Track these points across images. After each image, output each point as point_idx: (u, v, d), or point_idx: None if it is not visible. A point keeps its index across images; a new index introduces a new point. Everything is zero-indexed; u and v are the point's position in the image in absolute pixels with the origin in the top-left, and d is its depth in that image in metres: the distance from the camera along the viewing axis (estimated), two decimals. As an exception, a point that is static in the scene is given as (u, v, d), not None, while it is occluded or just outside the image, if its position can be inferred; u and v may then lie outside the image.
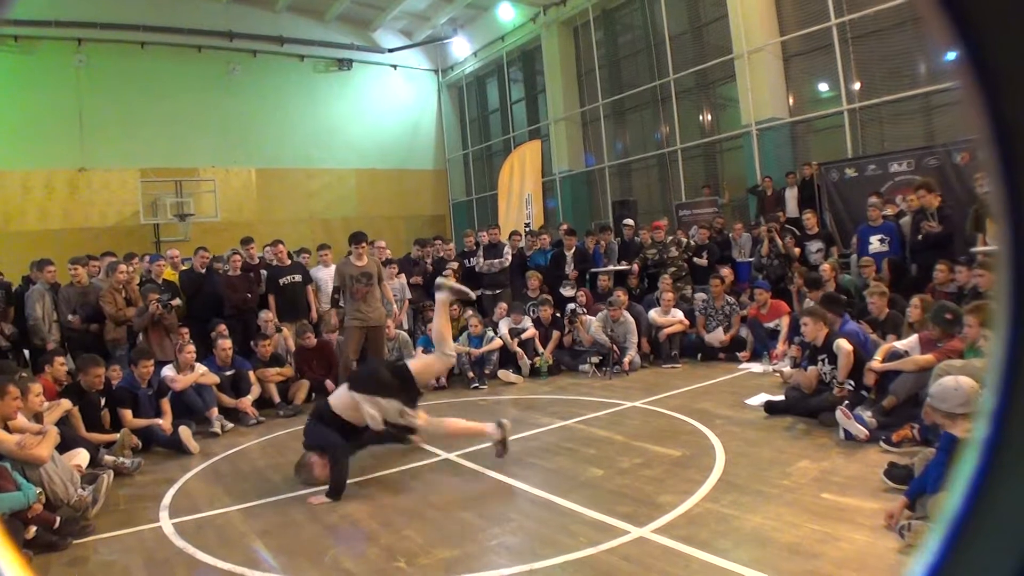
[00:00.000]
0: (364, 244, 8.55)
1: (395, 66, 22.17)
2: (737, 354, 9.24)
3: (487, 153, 22.77)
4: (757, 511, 4.11)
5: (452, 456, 5.90)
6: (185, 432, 6.89)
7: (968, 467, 0.62)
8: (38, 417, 5.66)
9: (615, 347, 9.16)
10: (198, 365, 7.94)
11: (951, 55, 0.62)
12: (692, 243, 11.29)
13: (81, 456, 5.66)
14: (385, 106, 22.03)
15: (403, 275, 11.02)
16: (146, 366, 7.29)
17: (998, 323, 0.63)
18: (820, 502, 4.20)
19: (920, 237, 8.66)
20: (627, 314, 9.50)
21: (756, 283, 9.79)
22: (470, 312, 10.02)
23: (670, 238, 11.17)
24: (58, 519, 4.58)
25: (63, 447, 5.57)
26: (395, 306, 9.60)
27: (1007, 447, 0.61)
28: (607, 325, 9.37)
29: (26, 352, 8.94)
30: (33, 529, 4.37)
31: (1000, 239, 0.62)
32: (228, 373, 8.29)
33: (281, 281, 9.90)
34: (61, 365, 7.12)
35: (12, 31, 15.90)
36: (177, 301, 8.96)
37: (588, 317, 9.77)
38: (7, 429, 4.93)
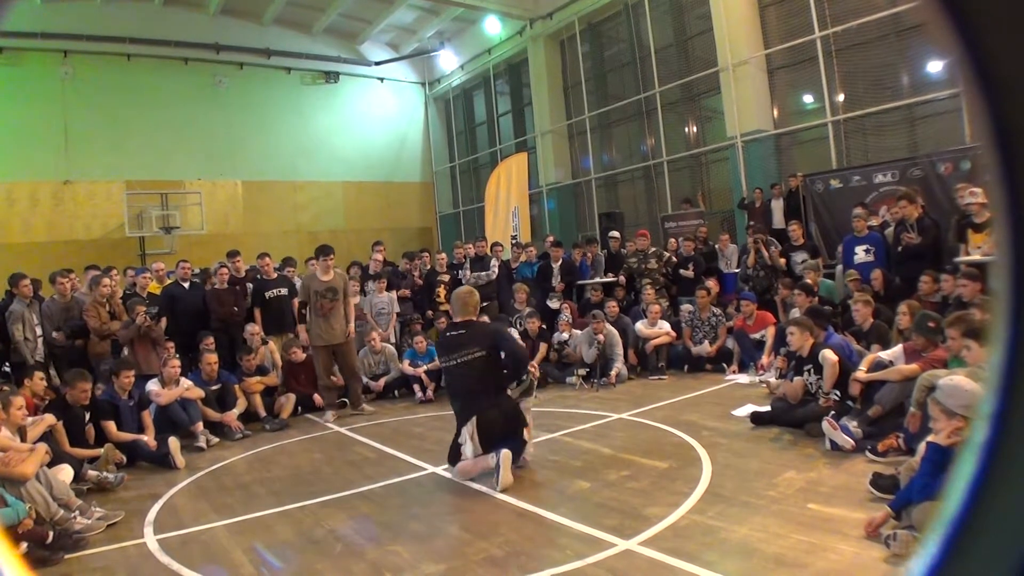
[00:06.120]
0: (331, 257, 8.53)
1: (382, 79, 22.22)
2: (723, 365, 9.26)
3: (474, 166, 22.79)
4: (743, 522, 4.12)
5: (438, 470, 5.88)
6: (174, 444, 6.83)
7: (967, 468, 0.62)
8: (21, 431, 5.62)
9: (599, 361, 9.17)
10: (183, 379, 7.88)
11: (951, 58, 0.62)
12: (673, 259, 11.22)
13: (65, 472, 5.61)
14: (372, 119, 22.05)
15: (392, 289, 10.98)
16: (127, 376, 7.24)
17: (998, 324, 0.63)
18: (806, 513, 4.21)
19: (900, 249, 8.71)
20: (609, 326, 9.49)
21: (742, 294, 9.82)
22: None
23: (652, 249, 11.15)
24: (51, 534, 4.54)
25: (48, 463, 5.53)
26: (352, 325, 8.84)
27: (1007, 448, 0.61)
28: (592, 339, 9.36)
29: (7, 366, 8.83)
30: (24, 545, 4.34)
31: (1000, 241, 0.63)
32: (214, 387, 8.24)
33: (267, 294, 9.85)
34: (40, 380, 7.04)
35: (-3, 43, 15.85)
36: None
37: (575, 331, 9.77)
38: None
